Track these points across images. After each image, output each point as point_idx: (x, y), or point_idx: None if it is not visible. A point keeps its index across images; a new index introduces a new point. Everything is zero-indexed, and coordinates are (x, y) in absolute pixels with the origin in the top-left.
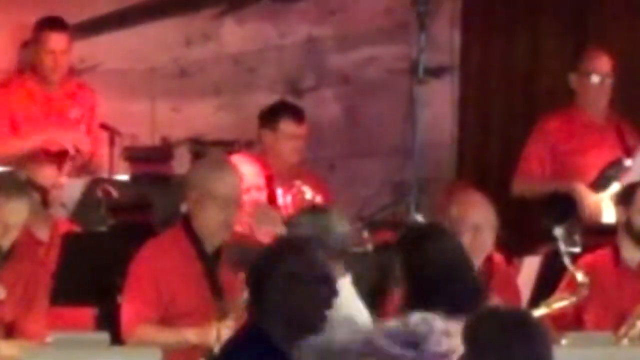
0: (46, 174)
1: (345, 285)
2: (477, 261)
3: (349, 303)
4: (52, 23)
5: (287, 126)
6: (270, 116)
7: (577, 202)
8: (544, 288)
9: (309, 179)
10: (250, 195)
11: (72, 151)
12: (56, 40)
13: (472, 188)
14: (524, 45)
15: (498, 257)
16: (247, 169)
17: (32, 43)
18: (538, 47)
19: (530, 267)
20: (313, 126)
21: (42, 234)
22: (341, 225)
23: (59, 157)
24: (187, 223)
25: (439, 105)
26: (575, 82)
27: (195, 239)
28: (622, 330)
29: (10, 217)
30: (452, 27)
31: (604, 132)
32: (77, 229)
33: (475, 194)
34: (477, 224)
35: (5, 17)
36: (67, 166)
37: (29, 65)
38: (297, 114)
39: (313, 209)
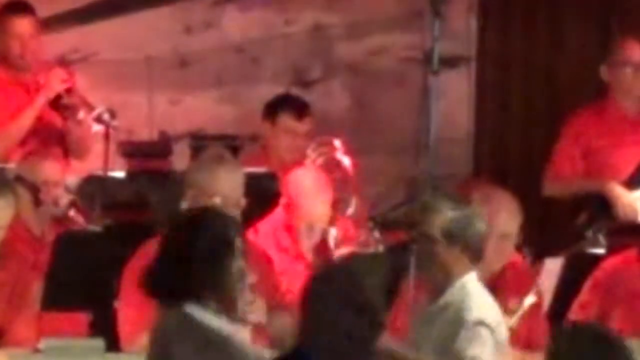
0: (49, 170)
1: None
2: (498, 266)
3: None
4: (16, 7)
5: (285, 120)
6: (271, 108)
7: (610, 201)
8: (567, 292)
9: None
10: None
11: (61, 89)
12: (21, 24)
13: (499, 189)
14: (545, 33)
15: (516, 258)
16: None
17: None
18: (560, 35)
19: (551, 269)
20: (320, 120)
21: (37, 231)
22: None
23: (59, 106)
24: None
25: (455, 97)
26: (607, 73)
27: None
28: None
29: None
30: (469, 14)
31: (639, 126)
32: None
33: (505, 198)
34: (505, 233)
35: None
36: (77, 108)
37: None
38: (298, 108)
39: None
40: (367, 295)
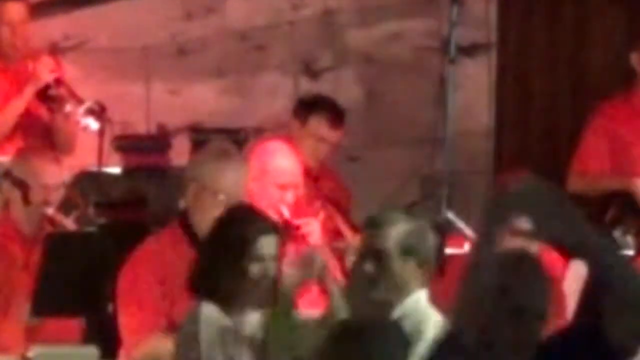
0: (46, 173)
1: None
2: None
3: None
4: None
5: (318, 125)
6: (304, 108)
7: (638, 199)
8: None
9: (327, 178)
10: (288, 198)
11: (50, 79)
12: (12, 10)
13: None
14: (570, 19)
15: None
16: (290, 163)
17: None
18: (586, 21)
19: (577, 271)
20: None
21: (28, 231)
22: None
23: (47, 97)
24: (185, 221)
25: (474, 88)
26: (637, 62)
27: (194, 239)
28: None
29: None
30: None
31: None
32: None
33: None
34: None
35: None
36: (64, 100)
37: None
38: (334, 115)
39: None
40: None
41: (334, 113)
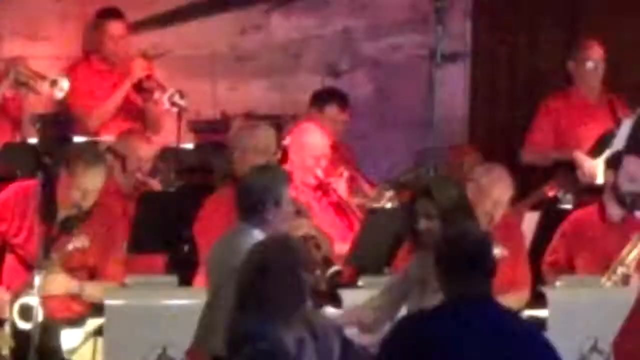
0: (141, 149)
1: None
2: (486, 228)
3: None
4: (110, 13)
5: (332, 111)
6: (320, 99)
7: (576, 166)
8: (542, 240)
9: (344, 149)
10: (321, 164)
11: (143, 75)
12: (114, 27)
13: (498, 165)
14: (525, 35)
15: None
16: (320, 139)
17: (94, 31)
18: (537, 38)
19: (530, 221)
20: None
21: (126, 190)
22: None
23: (140, 89)
24: (235, 180)
25: (454, 86)
26: (573, 68)
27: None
28: (607, 275)
29: (89, 183)
30: (465, 20)
31: (597, 108)
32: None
33: (504, 173)
34: (498, 201)
35: (73, 9)
36: (154, 90)
37: (94, 49)
38: (342, 102)
39: None
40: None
41: (342, 100)
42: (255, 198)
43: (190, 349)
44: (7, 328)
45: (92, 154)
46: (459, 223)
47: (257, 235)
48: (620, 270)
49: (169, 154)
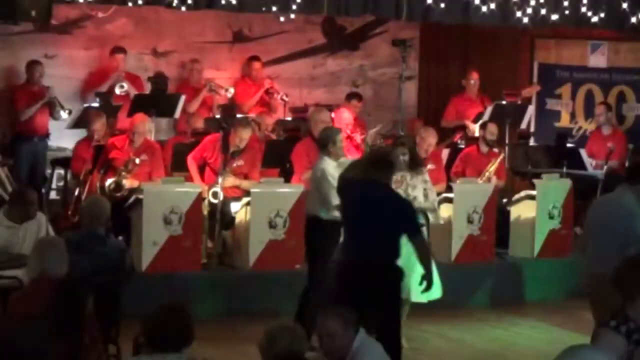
0: (267, 120)
1: None
2: (424, 154)
3: None
4: (256, 58)
5: (354, 102)
6: (348, 96)
7: (467, 127)
8: (451, 161)
9: (361, 121)
10: (349, 127)
11: (268, 86)
12: (256, 65)
13: (430, 126)
14: (456, 66)
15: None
16: (348, 115)
17: (247, 66)
18: (465, 65)
19: (445, 153)
20: (364, 102)
21: (261, 137)
22: None
23: (267, 93)
24: (310, 135)
25: (410, 94)
26: (465, 83)
27: (314, 139)
28: (480, 178)
29: (243, 135)
30: (415, 59)
31: (475, 101)
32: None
33: (433, 131)
34: (430, 143)
35: (237, 56)
36: (273, 93)
37: (246, 74)
38: (359, 98)
39: None
40: None
41: (359, 97)
42: (324, 140)
43: None
44: (205, 202)
45: (245, 121)
46: None
47: (329, 162)
48: (487, 175)
49: (280, 122)
